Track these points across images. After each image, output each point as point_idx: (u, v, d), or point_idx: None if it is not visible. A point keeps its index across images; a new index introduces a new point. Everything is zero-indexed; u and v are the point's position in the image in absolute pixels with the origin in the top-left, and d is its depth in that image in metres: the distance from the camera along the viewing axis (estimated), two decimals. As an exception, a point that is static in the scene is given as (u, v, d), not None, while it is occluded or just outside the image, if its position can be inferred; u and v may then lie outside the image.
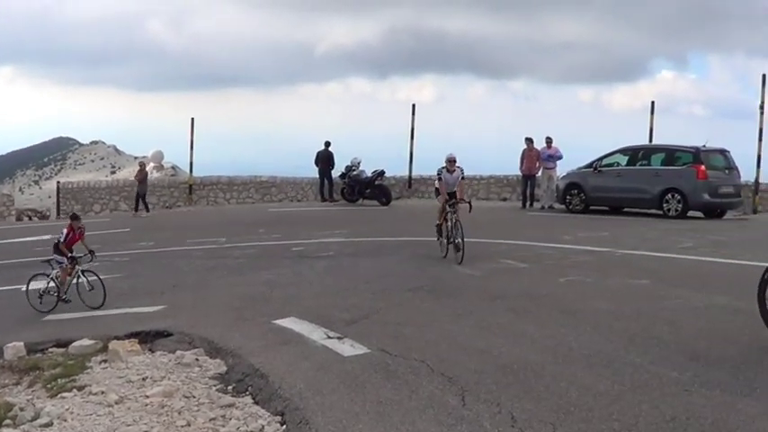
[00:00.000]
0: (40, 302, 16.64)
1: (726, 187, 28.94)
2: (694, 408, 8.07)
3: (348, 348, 11.05)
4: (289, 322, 12.90)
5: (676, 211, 28.17)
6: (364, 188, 35.77)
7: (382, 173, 36.24)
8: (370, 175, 35.93)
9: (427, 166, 40.47)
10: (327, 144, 37.97)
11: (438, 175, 20.02)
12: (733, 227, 25.70)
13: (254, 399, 9.61)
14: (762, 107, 31.52)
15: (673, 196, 28.34)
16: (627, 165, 30.36)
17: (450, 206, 19.27)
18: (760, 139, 31.38)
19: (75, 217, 17.83)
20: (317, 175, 38.16)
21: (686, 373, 9.21)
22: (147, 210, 35.98)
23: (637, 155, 30.41)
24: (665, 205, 28.49)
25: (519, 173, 34.39)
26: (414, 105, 38.52)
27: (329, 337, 11.69)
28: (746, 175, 31.09)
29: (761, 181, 31.84)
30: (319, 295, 15.13)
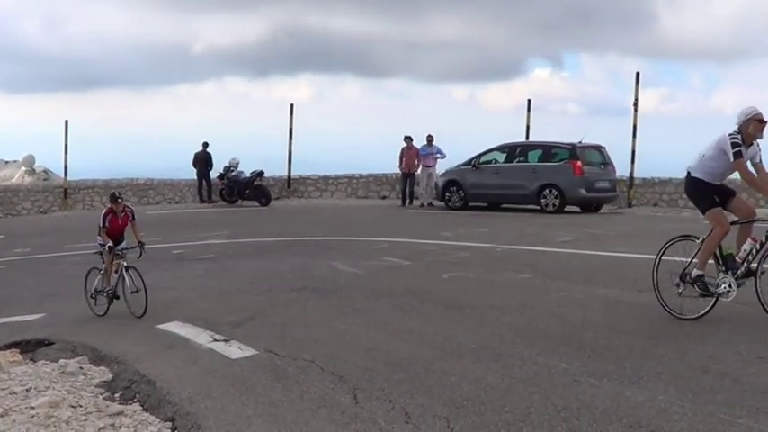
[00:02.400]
0: (95, 303, 14.86)
1: (602, 182, 29.52)
2: (584, 397, 8.17)
3: (235, 351, 10.95)
4: (173, 326, 12.75)
5: (554, 206, 28.60)
6: (243, 189, 35.52)
7: (261, 173, 36.05)
8: (248, 175, 35.71)
9: (305, 165, 40.48)
10: (205, 145, 37.67)
11: (736, 146, 10.65)
12: (609, 221, 26.16)
13: (142, 405, 9.43)
14: (636, 104, 32.22)
15: (550, 192, 28.77)
16: (505, 161, 30.72)
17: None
18: (634, 135, 32.02)
19: (113, 198, 15.09)
20: (195, 177, 37.85)
21: (574, 364, 9.33)
22: None
23: (514, 152, 30.82)
24: (542, 201, 28.91)
25: (398, 171, 34.56)
26: (292, 105, 38.51)
27: (215, 340, 11.58)
28: (621, 170, 31.70)
29: (635, 176, 32.47)
30: (202, 298, 14.99)
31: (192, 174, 38.20)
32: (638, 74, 32.62)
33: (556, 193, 28.69)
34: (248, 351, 10.86)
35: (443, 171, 32.91)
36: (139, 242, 14.61)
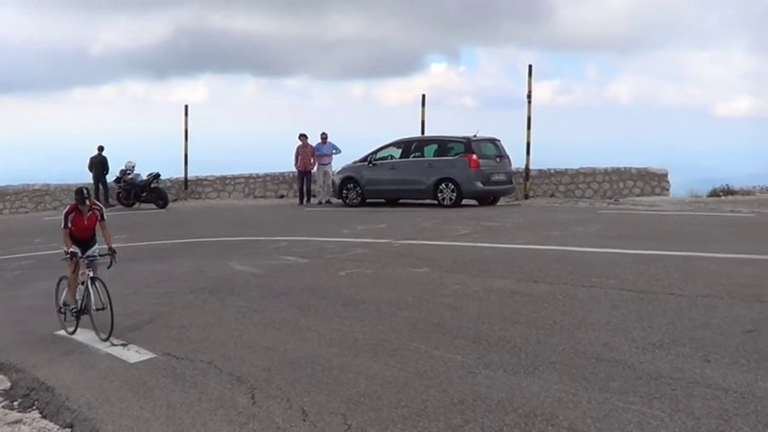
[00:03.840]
0: (65, 318, 13.05)
1: (498, 175, 29.75)
2: (480, 389, 8.28)
3: (134, 355, 10.91)
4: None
5: (451, 200, 28.79)
6: (140, 192, 35.18)
7: (158, 175, 35.70)
8: (145, 178, 35.35)
9: (203, 166, 40.22)
10: (101, 149, 37.20)
11: None
12: (506, 213, 26.36)
13: (41, 413, 9.35)
14: (529, 96, 32.61)
15: (447, 186, 28.94)
16: (401, 157, 30.82)
17: None
18: (529, 127, 32.45)
19: (80, 195, 13.07)
20: (92, 181, 37.38)
21: (470, 357, 9.45)
22: None
23: (410, 147, 30.93)
24: (439, 195, 29.08)
25: (294, 170, 34.55)
26: (186, 106, 38.20)
27: (113, 345, 11.52)
28: (517, 162, 32.06)
29: (531, 167, 32.88)
30: (100, 303, 14.82)
31: (88, 178, 37.71)
32: (530, 66, 33.08)
33: (452, 186, 28.87)
34: (146, 355, 10.83)
35: (340, 168, 32.96)
36: (110, 249, 12.75)
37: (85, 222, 13.04)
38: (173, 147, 40.14)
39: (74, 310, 12.74)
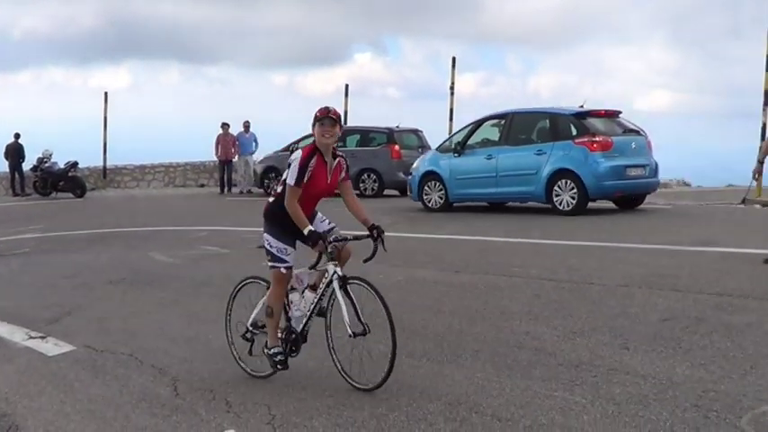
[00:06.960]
0: (250, 348, 8.79)
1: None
2: (404, 377, 8.26)
3: (52, 347, 10.71)
4: (-14, 325, 12.40)
5: (373, 190, 28.96)
6: (57, 181, 34.76)
7: (75, 164, 35.31)
8: (62, 166, 34.95)
9: (124, 155, 39.90)
10: (17, 136, 36.74)
11: None
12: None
13: (-44, 408, 9.17)
14: (452, 88, 32.86)
15: (369, 176, 29.06)
16: (322, 147, 30.77)
17: None
18: (451, 119, 32.67)
19: (327, 116, 7.81)
20: (7, 170, 36.91)
21: (392, 346, 9.45)
22: None
23: (330, 137, 30.89)
24: (361, 185, 29.17)
25: (215, 158, 34.42)
26: (106, 93, 37.99)
27: (31, 338, 11.28)
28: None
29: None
30: (17, 294, 14.57)
31: (3, 166, 37.24)
32: (454, 58, 33.43)
33: (374, 177, 28.98)
34: (65, 347, 10.63)
35: (262, 158, 32.90)
36: (373, 228, 8.23)
37: (328, 179, 8.36)
38: (92, 135, 39.77)
39: (289, 334, 8.54)
